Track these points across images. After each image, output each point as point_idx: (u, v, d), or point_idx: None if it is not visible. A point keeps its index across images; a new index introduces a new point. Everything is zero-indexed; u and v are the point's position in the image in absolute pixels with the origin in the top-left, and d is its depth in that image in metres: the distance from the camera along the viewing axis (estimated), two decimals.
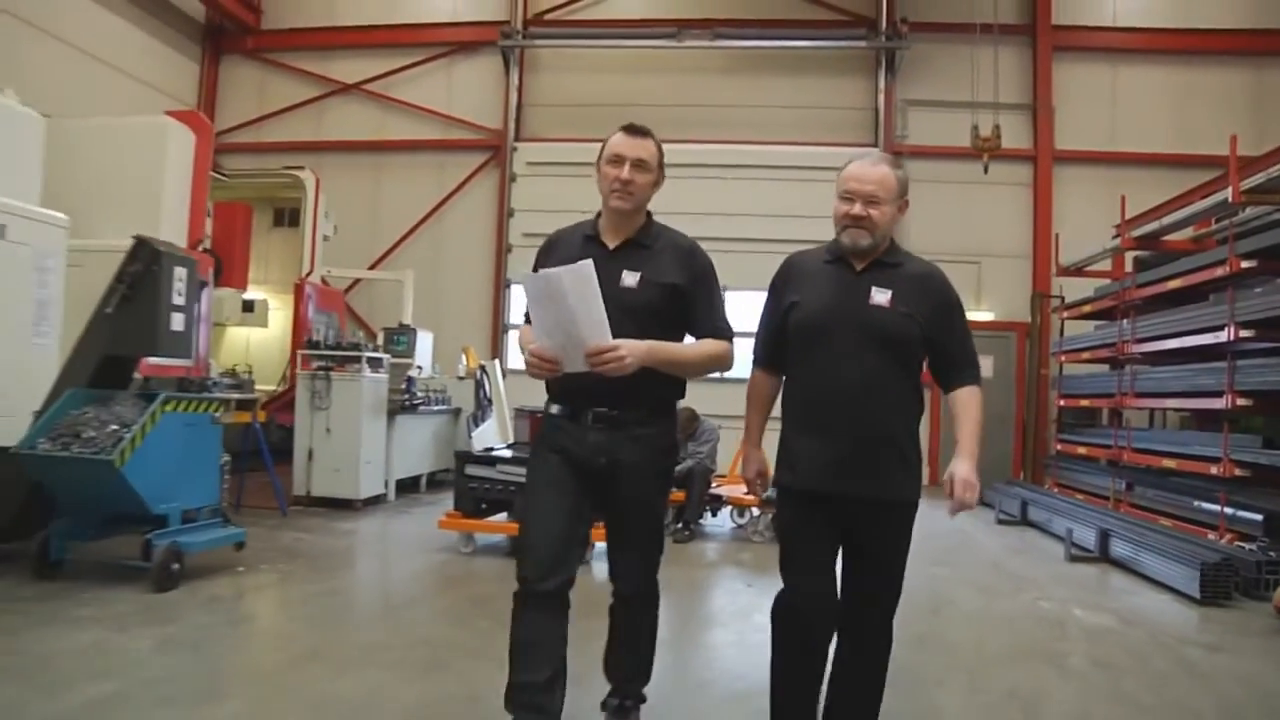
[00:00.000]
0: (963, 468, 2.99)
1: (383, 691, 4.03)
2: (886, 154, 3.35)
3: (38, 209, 6.88)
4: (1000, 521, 9.94)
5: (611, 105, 12.99)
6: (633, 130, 3.28)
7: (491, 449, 7.68)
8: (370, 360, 9.08)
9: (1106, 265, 11.84)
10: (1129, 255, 10.98)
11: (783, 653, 3.17)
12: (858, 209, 3.07)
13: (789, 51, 14.12)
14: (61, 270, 7.01)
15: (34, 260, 6.74)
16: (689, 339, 3.32)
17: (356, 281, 14.25)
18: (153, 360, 7.01)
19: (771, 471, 3.30)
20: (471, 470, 7.17)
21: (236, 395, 8.18)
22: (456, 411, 11.02)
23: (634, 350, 3.00)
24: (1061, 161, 13.77)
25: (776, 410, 3.32)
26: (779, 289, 3.31)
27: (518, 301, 14.35)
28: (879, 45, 13.85)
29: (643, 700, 3.55)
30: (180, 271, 6.14)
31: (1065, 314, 12.43)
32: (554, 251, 3.36)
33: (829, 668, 3.16)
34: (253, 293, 12.17)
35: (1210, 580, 6.12)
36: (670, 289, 3.22)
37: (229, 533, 6.21)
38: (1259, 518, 7.25)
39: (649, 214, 3.37)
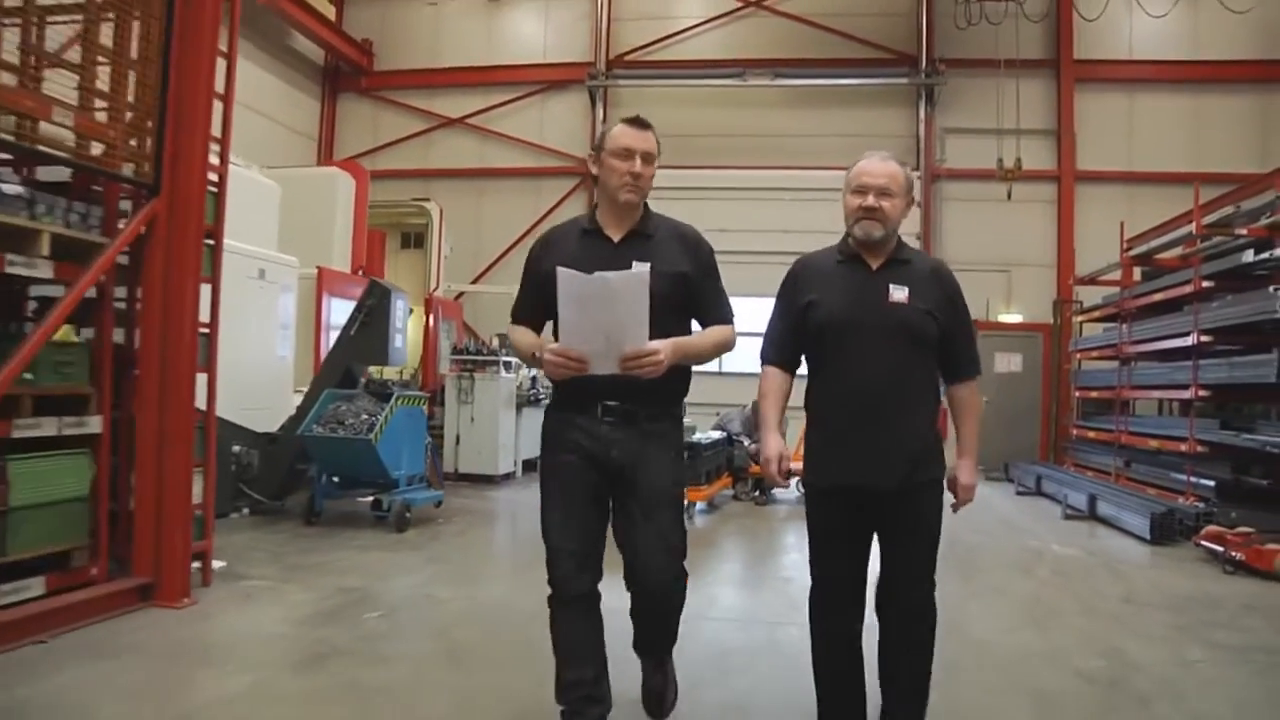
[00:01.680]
0: (966, 473, 3.36)
1: None
2: (887, 151, 3.45)
3: (279, 254, 9.44)
4: (1019, 493, 12.22)
5: (684, 136, 15.31)
6: (638, 123, 3.34)
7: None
8: (504, 363, 11.56)
9: (1118, 275, 13.97)
10: (1136, 267, 13.13)
11: (822, 643, 3.41)
12: (870, 200, 3.23)
13: (841, 88, 16.37)
14: (294, 299, 9.58)
15: (278, 293, 9.30)
16: (694, 325, 3.45)
17: (461, 293, 16.74)
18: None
19: (790, 455, 3.45)
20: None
21: (416, 393, 10.68)
22: None
23: (667, 351, 3.10)
24: (1083, 181, 15.88)
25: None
26: (791, 289, 3.44)
27: None
28: (919, 81, 16.08)
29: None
30: (400, 304, 8.65)
31: (1081, 318, 14.60)
32: (552, 248, 3.41)
33: (878, 651, 3.39)
34: None
35: (1157, 526, 8.39)
36: (680, 277, 3.30)
37: (433, 494, 8.75)
38: (1211, 484, 9.45)
39: (645, 203, 3.42)
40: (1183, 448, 10.00)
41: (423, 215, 15.29)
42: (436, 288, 14.75)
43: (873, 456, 3.19)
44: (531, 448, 12.51)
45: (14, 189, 4.73)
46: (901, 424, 3.21)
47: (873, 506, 3.24)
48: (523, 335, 3.47)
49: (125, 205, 5.52)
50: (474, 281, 16.78)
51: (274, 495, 8.51)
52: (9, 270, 4.73)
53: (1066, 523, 9.80)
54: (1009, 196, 14.28)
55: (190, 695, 4.11)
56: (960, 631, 5.15)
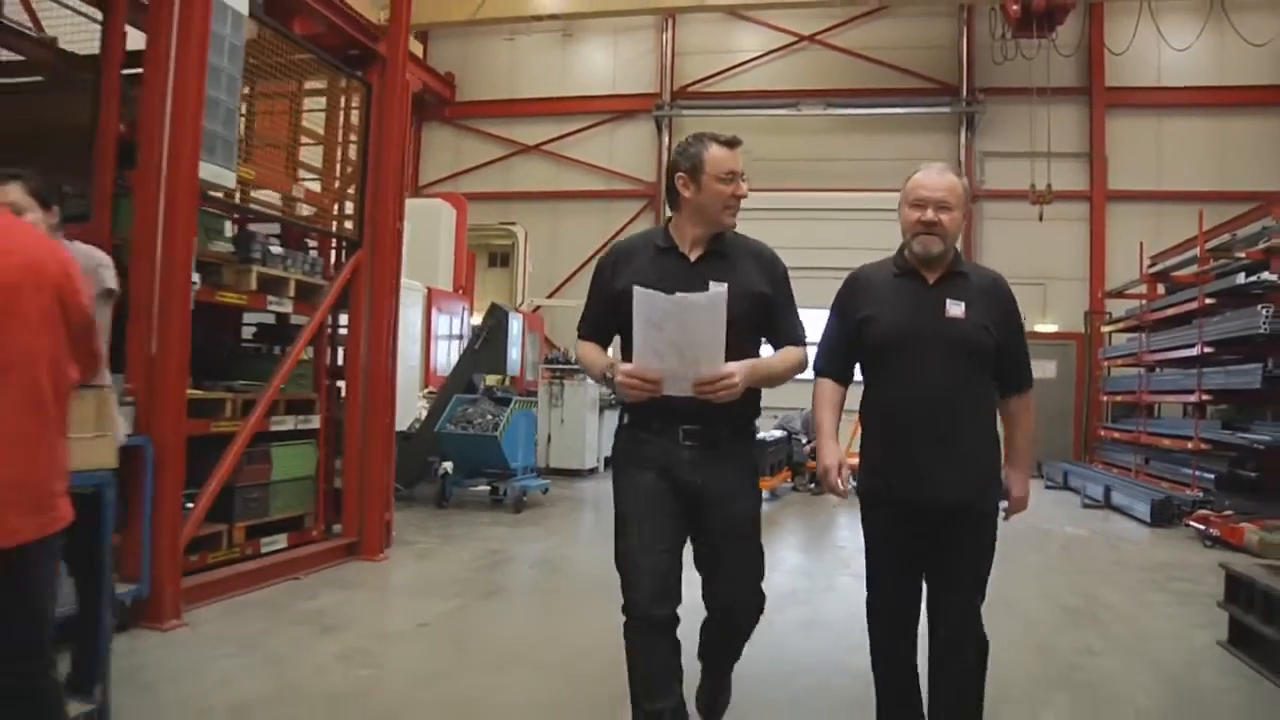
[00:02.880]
0: (1018, 484, 3.41)
1: None
2: (946, 163, 3.46)
3: (409, 279, 11.30)
4: (1047, 487, 13.80)
5: (746, 159, 16.98)
6: (733, 143, 3.33)
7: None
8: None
9: (1143, 289, 15.46)
10: (1159, 283, 14.62)
11: (879, 652, 3.44)
12: (929, 215, 3.21)
13: (888, 116, 17.99)
14: (420, 318, 11.45)
15: (406, 310, 11.16)
16: (766, 346, 3.42)
17: (538, 307, 18.55)
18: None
19: (848, 462, 3.45)
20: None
21: (530, 399, 12.53)
22: None
23: (742, 373, 3.07)
24: (1113, 200, 17.36)
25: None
26: (847, 302, 3.47)
27: None
28: (960, 109, 17.66)
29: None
30: (515, 323, 10.47)
31: (1109, 328, 16.11)
32: (625, 262, 3.38)
33: (928, 675, 3.38)
34: (477, 318, 16.58)
35: (1157, 510, 9.98)
36: (759, 297, 3.28)
37: (542, 482, 10.57)
38: (1212, 476, 11.00)
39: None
40: (1189, 445, 11.54)
41: (509, 236, 17.20)
42: (522, 303, 16.59)
43: (932, 471, 3.21)
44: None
45: (278, 248, 6.59)
46: (959, 439, 3.22)
47: (928, 520, 3.25)
48: (591, 352, 3.46)
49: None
50: (550, 296, 18.60)
51: (408, 484, 10.35)
52: (269, 308, 6.62)
53: (1084, 511, 11.39)
54: (1040, 218, 15.81)
55: (418, 611, 5.91)
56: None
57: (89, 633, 3.58)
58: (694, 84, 18.88)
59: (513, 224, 17.34)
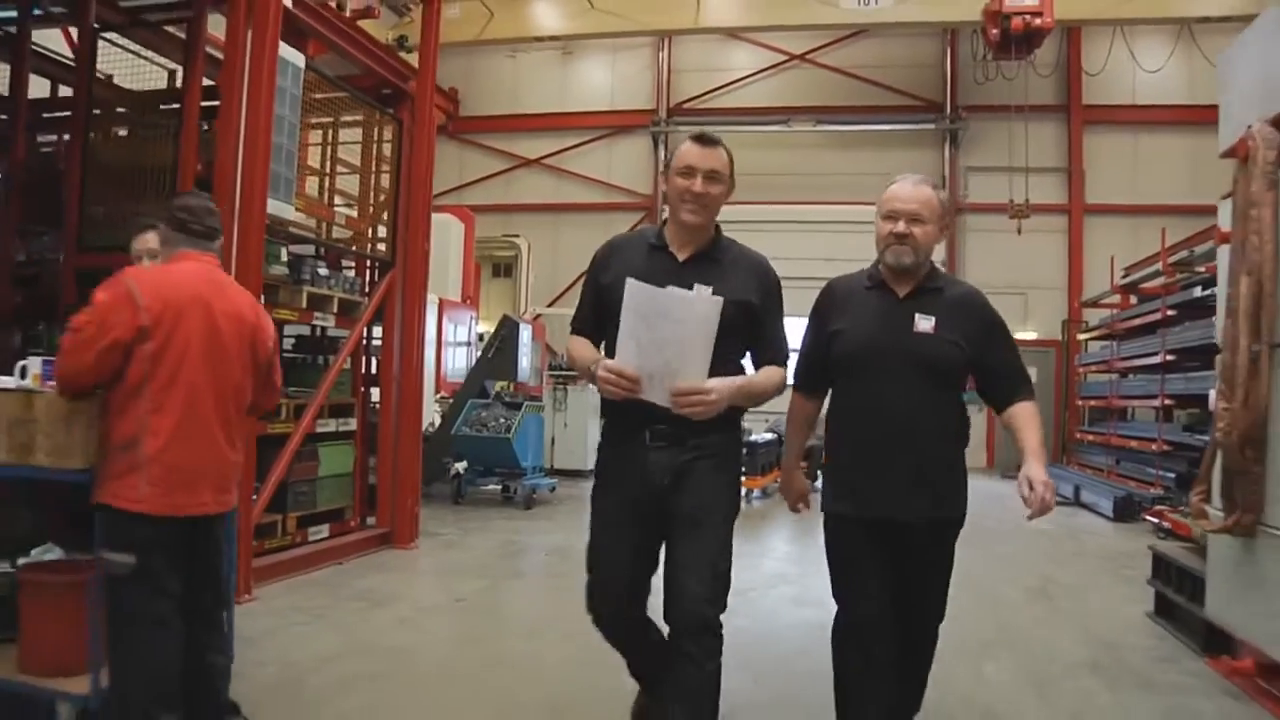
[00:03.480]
0: (1037, 470, 3.11)
1: None
2: (928, 176, 3.39)
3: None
4: None
5: (739, 173, 17.82)
6: (704, 140, 3.25)
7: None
8: None
9: (1116, 299, 16.38)
10: (1131, 294, 15.54)
11: (849, 676, 3.35)
12: (901, 227, 3.18)
13: (875, 132, 18.93)
14: (432, 327, 12.29)
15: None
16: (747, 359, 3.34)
17: (539, 315, 19.40)
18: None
19: (809, 493, 3.52)
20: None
21: (539, 403, 13.38)
22: None
23: (722, 393, 3.05)
24: (1091, 213, 18.32)
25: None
26: (821, 315, 3.43)
27: None
28: (944, 126, 18.64)
29: None
30: (525, 333, 11.34)
31: (1084, 336, 17.05)
32: (616, 258, 3.33)
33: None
34: (482, 327, 17.45)
35: (1119, 506, 10.90)
36: (746, 306, 3.20)
37: (550, 481, 11.46)
38: (1173, 475, 11.91)
39: (717, 226, 3.34)
40: (1153, 447, 12.45)
41: (512, 248, 18.11)
42: (525, 312, 17.47)
43: (895, 489, 3.19)
44: None
45: (324, 270, 7.46)
46: (924, 457, 3.20)
47: (892, 537, 3.24)
48: (582, 348, 3.41)
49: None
50: (550, 305, 19.47)
51: (426, 482, 11.17)
52: (315, 322, 7.49)
53: (1055, 508, 12.27)
54: (1019, 232, 16.75)
55: (455, 587, 6.79)
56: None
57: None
58: (689, 100, 19.81)
59: (516, 236, 18.25)
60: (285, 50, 6.33)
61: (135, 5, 6.77)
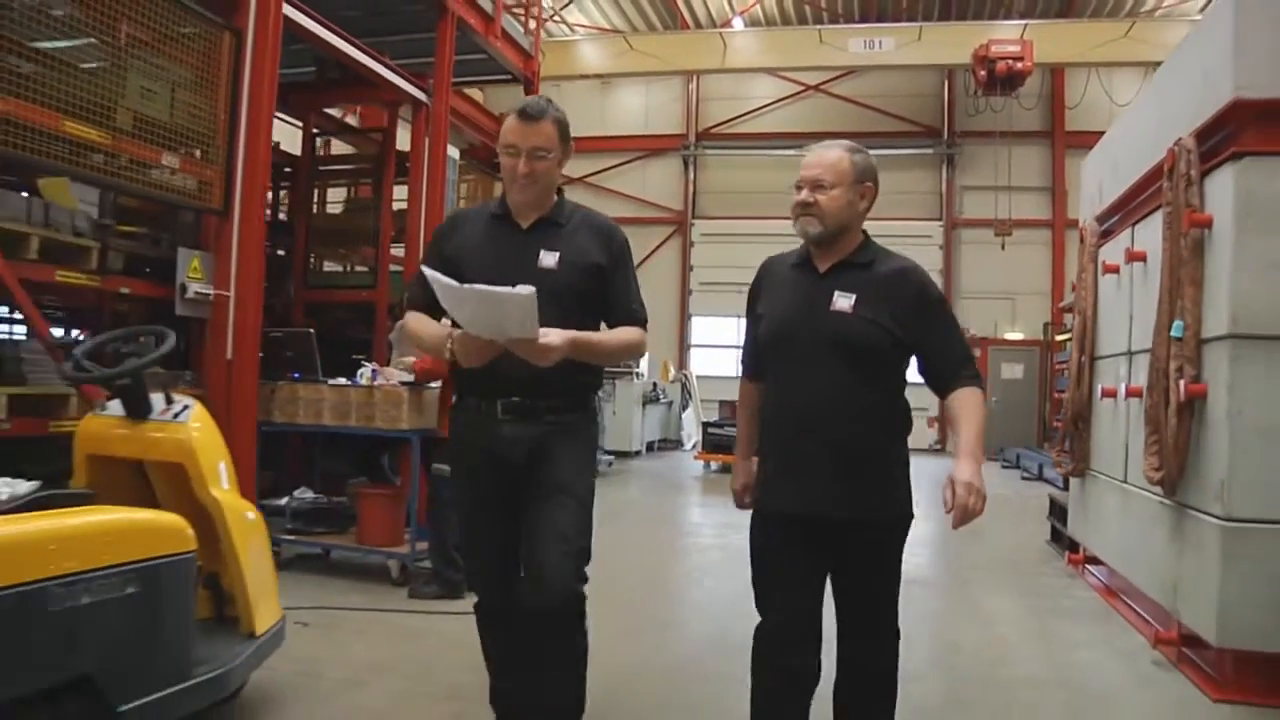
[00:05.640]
0: (964, 470, 2.88)
1: (712, 508, 12.23)
2: (848, 141, 3.22)
3: None
4: (1003, 466, 17.73)
5: (759, 192, 21.02)
6: (526, 115, 3.10)
7: (715, 420, 15.88)
8: (635, 373, 17.29)
9: None
10: None
11: (764, 693, 3.12)
12: (804, 195, 3.03)
13: (881, 156, 21.79)
14: None
15: None
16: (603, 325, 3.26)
17: None
18: None
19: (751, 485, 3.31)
20: (712, 430, 15.39)
21: None
22: (670, 403, 19.23)
23: (558, 341, 2.89)
24: (1072, 227, 21.07)
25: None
26: (752, 298, 3.31)
27: (697, 330, 22.67)
28: (942, 151, 21.61)
29: None
30: None
31: (1062, 336, 19.97)
32: (458, 229, 3.30)
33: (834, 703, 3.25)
34: None
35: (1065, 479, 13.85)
36: (593, 269, 3.16)
37: (607, 458, 14.55)
38: None
39: (560, 190, 3.31)
40: None
41: None
42: None
43: (810, 483, 3.01)
44: (652, 432, 18.34)
45: None
46: (843, 449, 2.99)
47: (820, 537, 3.03)
48: (423, 324, 3.24)
49: None
50: None
51: None
52: None
53: (1021, 481, 15.31)
54: (1003, 247, 19.72)
55: None
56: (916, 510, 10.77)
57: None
58: (715, 126, 22.81)
59: None
60: (450, 150, 9.42)
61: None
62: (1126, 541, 6.37)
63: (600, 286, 3.21)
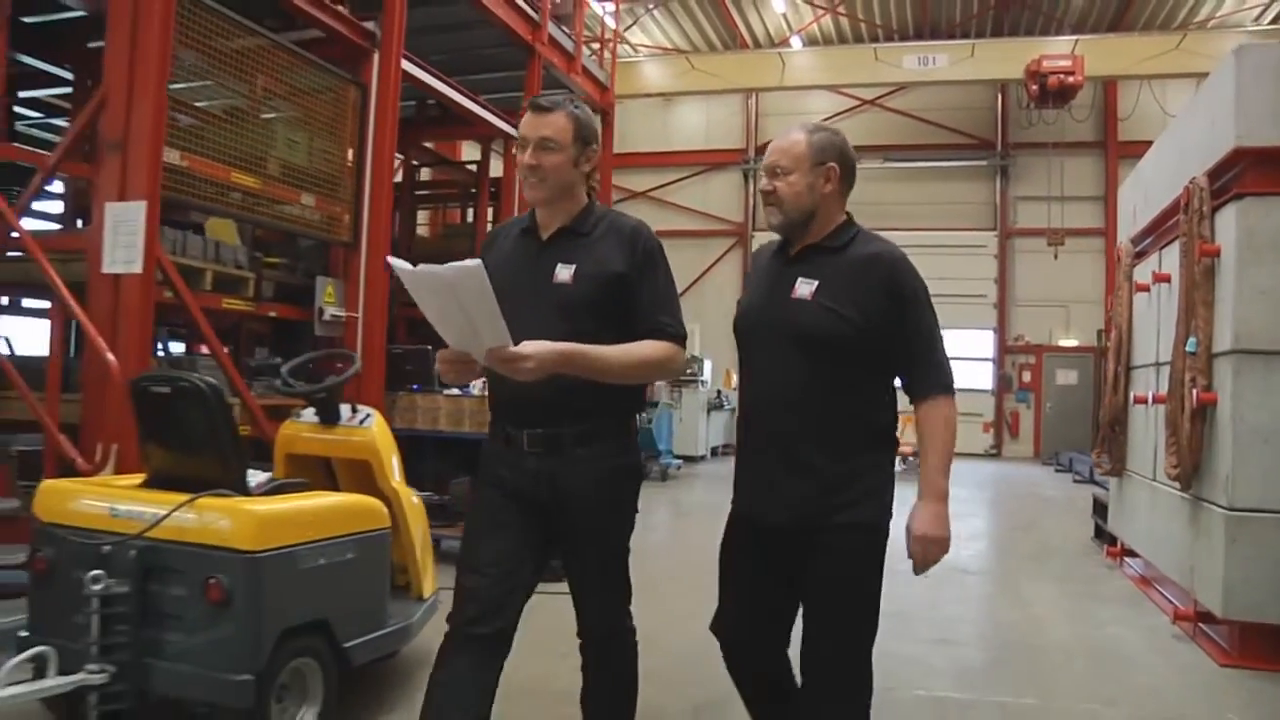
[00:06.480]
0: (921, 518, 2.75)
1: None
2: (816, 123, 3.08)
3: None
4: (1056, 470, 18.34)
5: None
6: (536, 106, 2.92)
7: None
8: (701, 381, 18.17)
9: None
10: None
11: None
12: (764, 184, 2.92)
13: (936, 168, 22.60)
14: None
15: None
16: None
17: None
18: None
19: None
20: None
21: (669, 402, 17.29)
22: (733, 410, 20.07)
23: (542, 357, 2.63)
24: None
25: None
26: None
27: None
28: (996, 162, 22.25)
29: None
30: None
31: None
32: (494, 245, 3.16)
33: None
34: None
35: None
36: (613, 279, 2.89)
37: (677, 461, 15.46)
38: None
39: (590, 198, 3.05)
40: None
41: None
42: None
43: (762, 483, 2.87)
44: (716, 437, 19.22)
45: None
46: (804, 448, 2.78)
47: (773, 545, 2.87)
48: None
49: None
50: None
51: None
52: None
53: (1072, 484, 15.94)
54: (1056, 257, 20.33)
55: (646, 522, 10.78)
56: (963, 520, 11.54)
57: None
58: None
59: None
60: None
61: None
62: (1154, 531, 7.13)
63: (624, 298, 2.91)
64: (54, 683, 3.33)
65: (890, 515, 2.85)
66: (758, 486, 2.91)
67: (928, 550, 2.75)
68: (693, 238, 23.81)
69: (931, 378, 2.81)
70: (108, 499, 3.67)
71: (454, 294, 2.55)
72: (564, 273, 2.89)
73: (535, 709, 4.23)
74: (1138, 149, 21.89)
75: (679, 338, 2.96)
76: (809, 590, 2.86)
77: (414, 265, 2.58)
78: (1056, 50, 18.93)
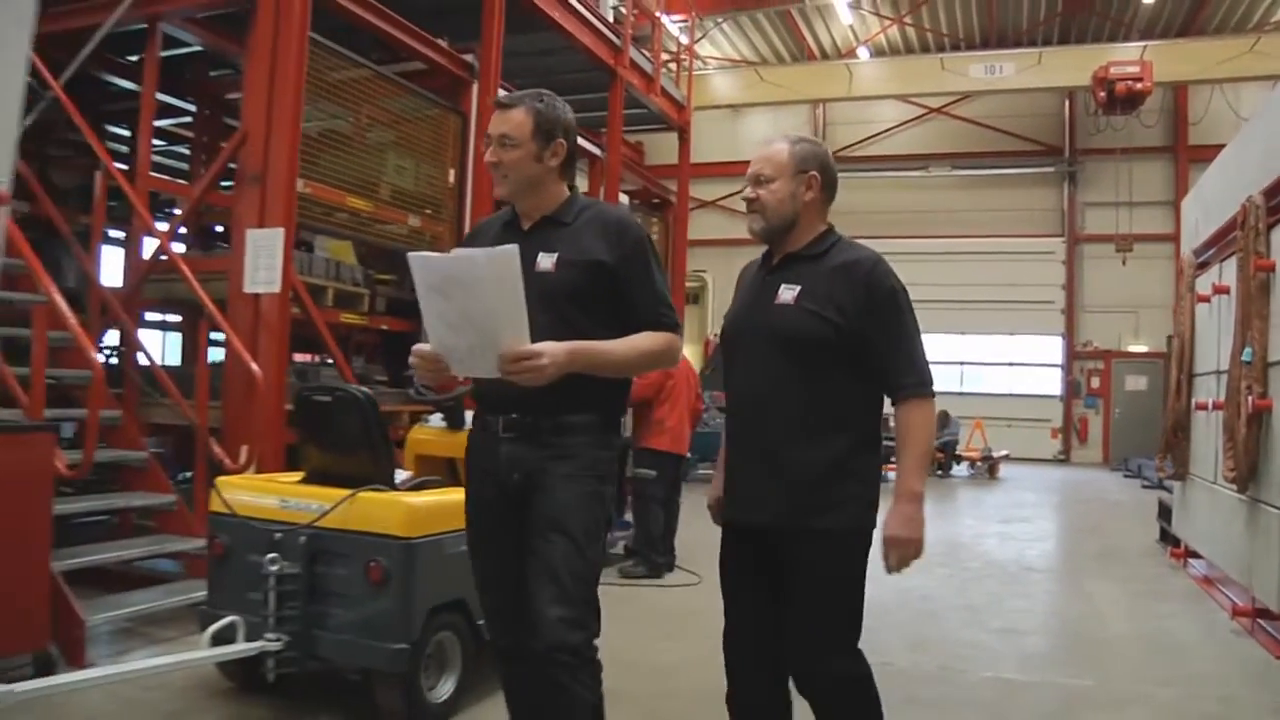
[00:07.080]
0: (891, 520, 2.81)
1: None
2: (799, 134, 3.17)
3: None
4: (1125, 476, 18.48)
5: (885, 211, 22.11)
6: (499, 105, 2.92)
7: None
8: None
9: None
10: None
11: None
12: (747, 191, 2.99)
13: (1002, 174, 22.79)
14: None
15: None
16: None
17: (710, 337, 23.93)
18: None
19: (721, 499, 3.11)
20: None
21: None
22: None
23: (555, 356, 2.63)
24: None
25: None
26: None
27: None
28: (1064, 169, 22.39)
29: None
30: None
31: None
32: (476, 238, 3.13)
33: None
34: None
35: None
36: (594, 267, 2.85)
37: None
38: None
39: (571, 188, 3.04)
40: None
41: (699, 281, 22.65)
42: (710, 334, 22.03)
43: (745, 486, 2.93)
44: None
45: None
46: (784, 450, 2.83)
47: (762, 550, 2.92)
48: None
49: None
50: None
51: None
52: None
53: (1140, 490, 16.10)
54: (1124, 263, 20.43)
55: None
56: (1030, 523, 11.86)
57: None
58: (842, 149, 23.93)
59: (704, 271, 22.74)
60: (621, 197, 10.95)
61: None
62: (1215, 532, 7.46)
63: (607, 287, 2.87)
64: (243, 647, 3.95)
65: (874, 518, 2.88)
66: (741, 489, 2.97)
67: (898, 551, 2.80)
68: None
69: (909, 379, 2.85)
70: (277, 494, 4.28)
71: (476, 288, 2.58)
72: (546, 261, 2.86)
73: (637, 680, 4.74)
74: (1209, 153, 21.91)
75: (675, 327, 2.96)
76: (791, 591, 2.89)
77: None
78: (1125, 57, 19.00)
